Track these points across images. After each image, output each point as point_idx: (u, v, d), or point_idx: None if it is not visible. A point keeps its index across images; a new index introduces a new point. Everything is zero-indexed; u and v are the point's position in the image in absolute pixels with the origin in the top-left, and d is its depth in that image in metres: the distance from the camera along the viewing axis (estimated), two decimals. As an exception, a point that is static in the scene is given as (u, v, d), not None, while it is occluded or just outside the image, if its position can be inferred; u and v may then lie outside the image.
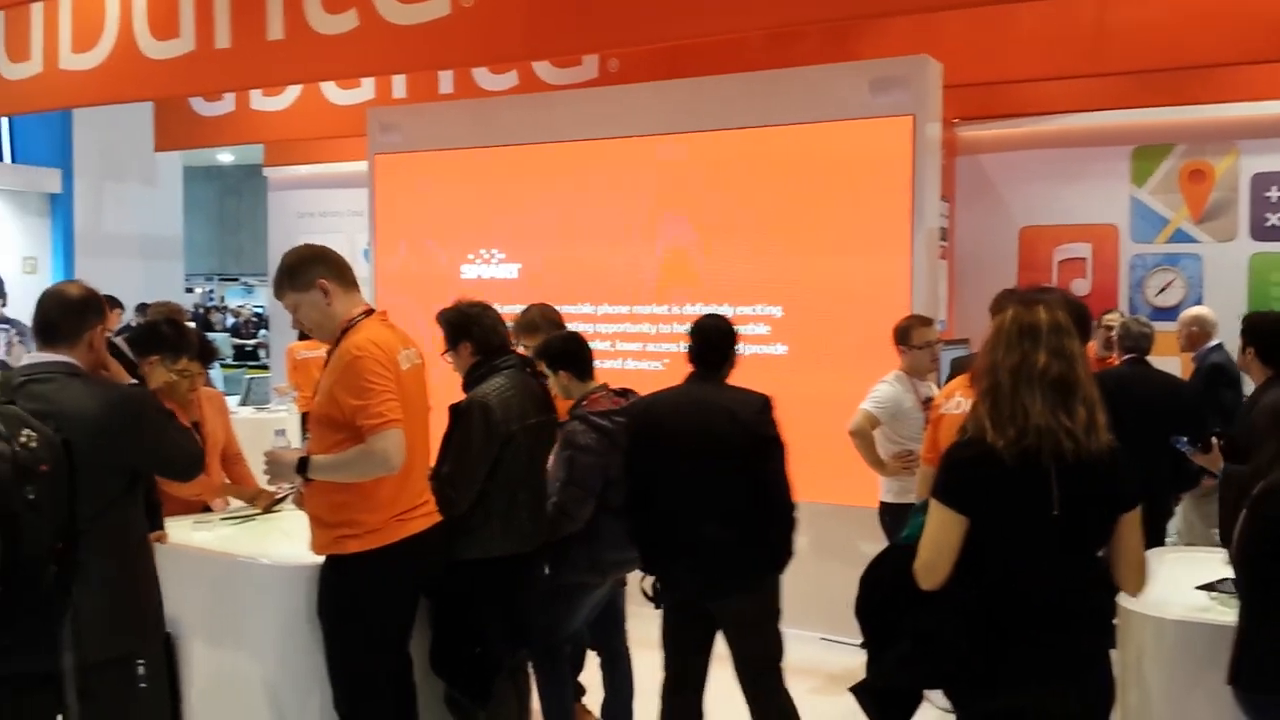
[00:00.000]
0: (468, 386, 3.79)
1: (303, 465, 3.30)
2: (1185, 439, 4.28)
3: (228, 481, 4.44)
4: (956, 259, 7.41)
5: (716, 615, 3.71)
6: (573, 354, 4.06)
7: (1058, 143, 7.67)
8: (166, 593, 3.06)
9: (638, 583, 4.04)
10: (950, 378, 4.95)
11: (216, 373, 11.74)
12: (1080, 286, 7.47)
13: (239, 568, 3.70)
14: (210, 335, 11.79)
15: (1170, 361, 6.30)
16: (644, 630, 4.36)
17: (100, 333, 3.00)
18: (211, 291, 27.32)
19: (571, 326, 4.70)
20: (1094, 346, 6.40)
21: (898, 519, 4.42)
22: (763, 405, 3.71)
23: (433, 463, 3.64)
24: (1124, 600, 2.75)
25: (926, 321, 5.08)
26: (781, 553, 3.68)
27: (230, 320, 22.72)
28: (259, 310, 22.31)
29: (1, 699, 2.78)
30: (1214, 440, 4.01)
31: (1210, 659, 2.86)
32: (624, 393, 4.09)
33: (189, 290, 21.27)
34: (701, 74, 6.29)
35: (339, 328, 3.37)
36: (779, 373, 5.75)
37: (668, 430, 3.72)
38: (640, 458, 3.77)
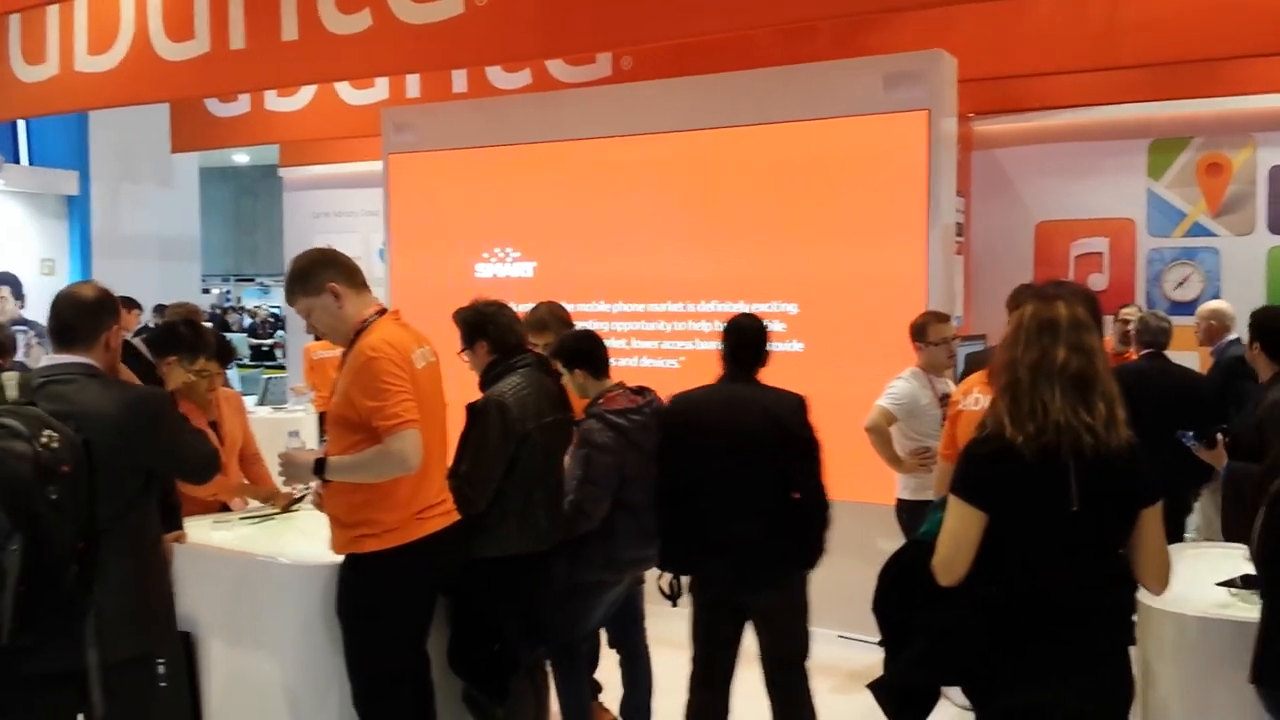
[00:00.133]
0: (484, 385, 3.80)
1: (320, 466, 3.31)
2: (1191, 434, 4.26)
3: (246, 481, 4.46)
4: (972, 254, 7.39)
5: (748, 610, 3.74)
6: (588, 352, 4.06)
7: (1073, 137, 7.63)
8: (185, 592, 3.08)
9: (655, 580, 4.05)
10: (966, 374, 4.93)
11: (234, 373, 11.82)
12: (1097, 281, 7.42)
13: (258, 567, 3.71)
14: (227, 336, 11.82)
15: (1189, 356, 6.25)
16: (662, 628, 4.37)
17: (116, 333, 3.02)
18: (228, 292, 27.44)
19: (587, 325, 4.69)
20: (1111, 341, 6.37)
21: (915, 516, 4.43)
22: (798, 405, 3.73)
23: (450, 461, 3.65)
24: (1144, 596, 2.73)
25: (943, 317, 5.06)
26: (814, 551, 3.70)
27: (247, 321, 22.81)
28: (275, 310, 22.42)
29: (24, 698, 2.80)
30: (1219, 436, 3.99)
31: (1231, 656, 2.85)
32: (640, 390, 4.09)
33: (205, 291, 21.41)
34: (715, 71, 6.27)
35: (352, 329, 3.37)
36: (795, 370, 5.65)
37: (703, 428, 3.73)
38: (673, 455, 3.79)
